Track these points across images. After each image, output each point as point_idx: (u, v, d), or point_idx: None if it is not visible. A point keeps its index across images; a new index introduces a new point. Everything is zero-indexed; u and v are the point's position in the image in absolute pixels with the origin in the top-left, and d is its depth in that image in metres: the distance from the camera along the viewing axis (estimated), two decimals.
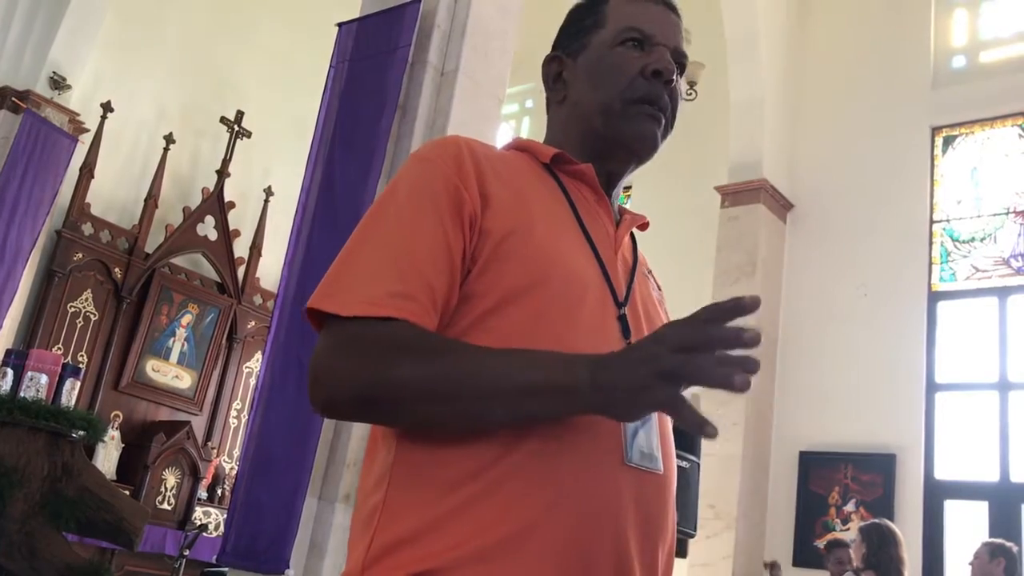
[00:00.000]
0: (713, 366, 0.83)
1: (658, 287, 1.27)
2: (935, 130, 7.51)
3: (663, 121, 1.17)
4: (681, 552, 7.10)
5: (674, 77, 1.17)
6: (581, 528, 0.94)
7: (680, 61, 1.19)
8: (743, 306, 0.85)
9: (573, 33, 1.23)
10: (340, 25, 4.52)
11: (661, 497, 1.04)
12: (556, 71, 1.24)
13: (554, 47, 1.26)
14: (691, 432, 0.84)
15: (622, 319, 1.07)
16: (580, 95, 1.19)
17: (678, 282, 7.28)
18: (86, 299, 7.19)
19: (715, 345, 0.84)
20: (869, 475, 6.77)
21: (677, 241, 7.88)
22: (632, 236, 1.25)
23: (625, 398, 0.87)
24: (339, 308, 0.96)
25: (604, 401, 0.88)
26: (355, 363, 0.94)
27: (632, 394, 0.86)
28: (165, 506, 7.12)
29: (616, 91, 1.15)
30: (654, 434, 1.04)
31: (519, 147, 1.21)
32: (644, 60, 1.15)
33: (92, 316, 7.21)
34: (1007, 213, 7.10)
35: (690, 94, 6.19)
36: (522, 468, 0.94)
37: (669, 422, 1.14)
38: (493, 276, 1.01)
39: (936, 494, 6.64)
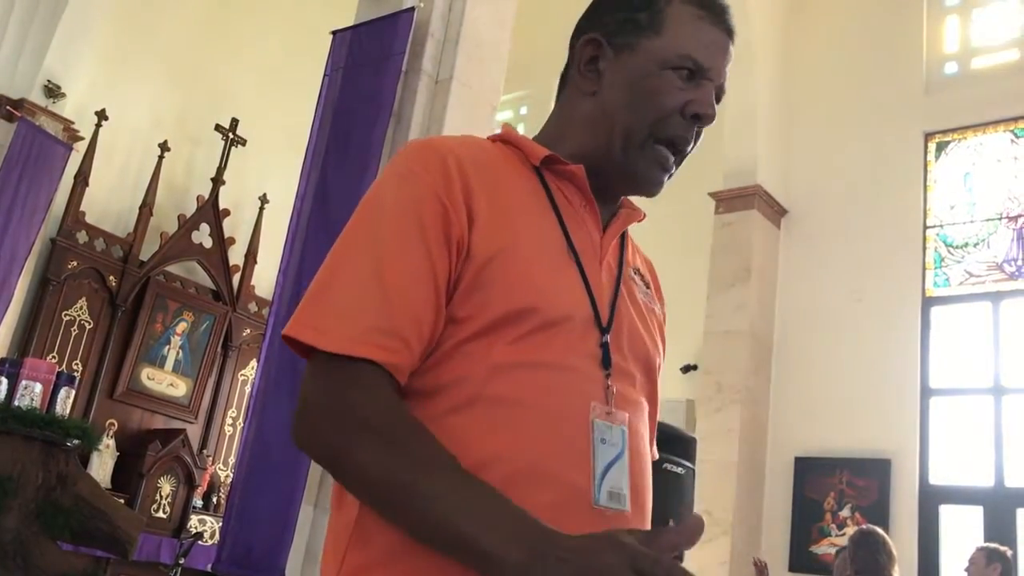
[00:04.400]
0: None
1: (647, 284, 1.22)
2: (928, 136, 7.53)
3: (674, 169, 1.13)
4: (677, 558, 7.12)
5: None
6: None
7: (720, 97, 1.14)
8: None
9: (621, 22, 1.12)
10: (334, 33, 4.53)
11: None
12: (591, 55, 1.13)
13: (592, 24, 1.15)
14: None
15: (604, 346, 1.04)
16: (611, 103, 1.11)
17: (673, 288, 7.29)
18: (81, 307, 7.18)
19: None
20: (864, 480, 6.77)
21: (671, 247, 7.88)
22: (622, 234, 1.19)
23: None
24: (318, 340, 0.94)
25: None
26: (327, 424, 0.92)
27: None
28: (160, 514, 7.10)
29: (648, 120, 1.08)
30: (625, 473, 1.01)
31: (506, 141, 1.15)
32: (688, 96, 1.09)
33: (87, 324, 7.20)
34: (1000, 218, 7.12)
35: None
36: None
37: (647, 451, 1.11)
38: (477, 302, 0.98)
39: (931, 499, 6.65)
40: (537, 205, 1.08)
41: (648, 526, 1.05)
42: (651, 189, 1.14)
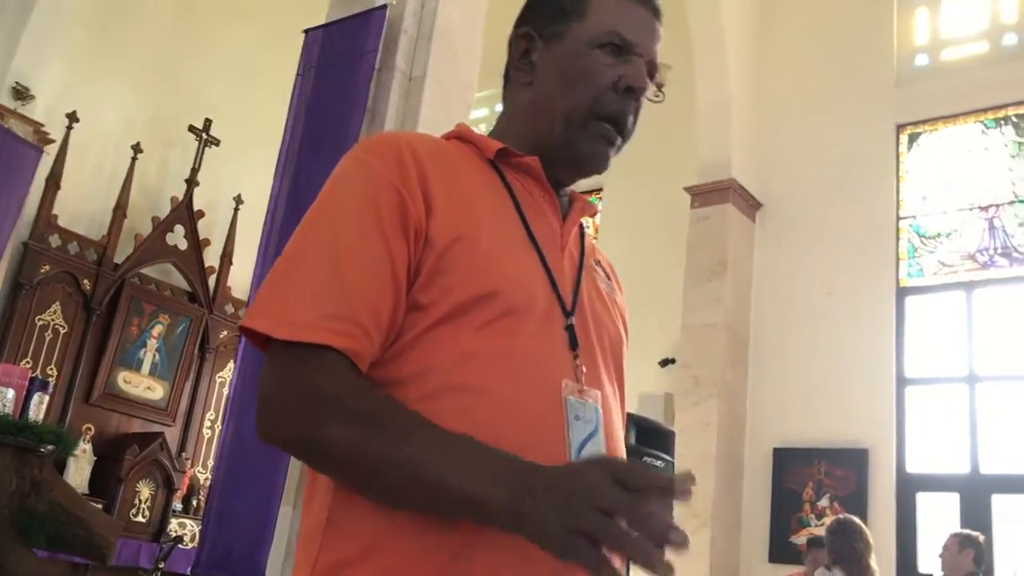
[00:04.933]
0: (635, 542, 0.78)
1: (608, 276, 1.24)
2: (900, 127, 7.60)
3: (619, 141, 1.15)
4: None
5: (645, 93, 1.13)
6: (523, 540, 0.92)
7: (652, 73, 1.16)
8: (678, 491, 0.80)
9: (549, 15, 1.16)
10: (307, 31, 4.52)
11: None
12: (524, 48, 1.18)
13: (524, 21, 1.20)
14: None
15: (569, 329, 1.05)
16: (546, 89, 1.14)
17: (650, 282, 7.36)
18: (55, 311, 7.11)
19: (640, 526, 0.78)
20: (842, 470, 6.83)
21: (648, 242, 7.93)
22: (580, 226, 1.21)
23: (542, 536, 0.82)
24: (273, 329, 0.93)
25: (520, 530, 0.84)
26: (295, 409, 0.92)
27: (550, 536, 0.81)
28: (139, 519, 7.06)
29: (585, 100, 1.11)
30: (601, 448, 1.02)
31: (462, 137, 1.17)
32: (619, 71, 1.11)
33: (61, 329, 7.13)
34: (972, 208, 7.20)
35: (658, 96, 6.22)
36: None
37: (620, 428, 1.12)
38: (439, 288, 0.98)
39: (908, 487, 6.72)
40: (496, 196, 1.09)
41: None
42: (598, 165, 1.15)
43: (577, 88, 1.11)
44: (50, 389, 6.35)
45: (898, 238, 7.33)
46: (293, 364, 0.93)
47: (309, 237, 1.00)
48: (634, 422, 4.07)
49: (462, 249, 1.00)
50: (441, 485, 0.86)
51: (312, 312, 0.93)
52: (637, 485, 0.79)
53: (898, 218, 7.38)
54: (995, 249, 7.00)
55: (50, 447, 3.50)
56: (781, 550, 6.86)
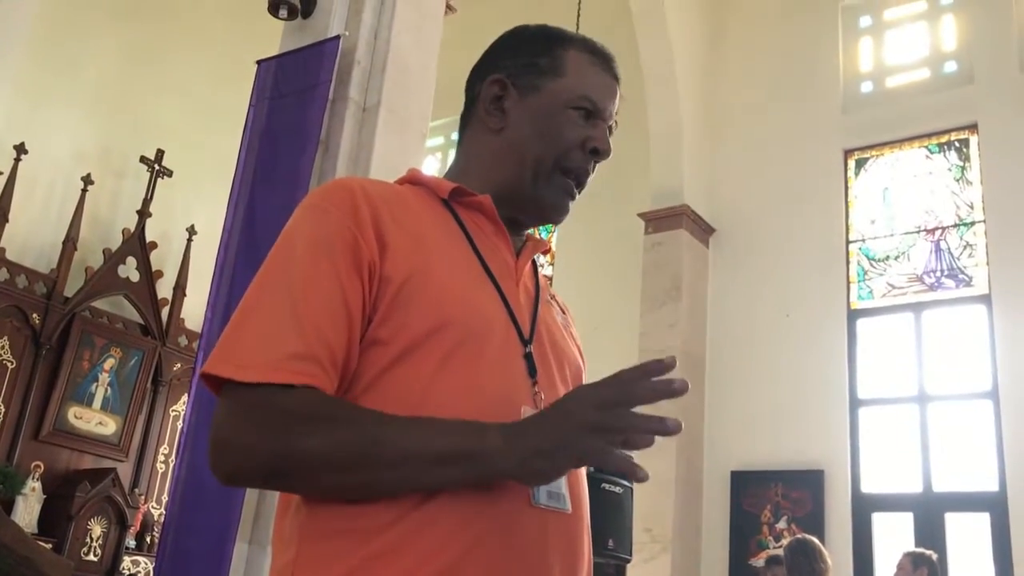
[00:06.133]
0: (639, 419, 0.87)
1: (562, 311, 1.28)
2: (847, 153, 7.77)
3: (576, 195, 1.21)
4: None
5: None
6: (497, 570, 0.94)
7: (611, 133, 1.23)
8: (663, 366, 0.90)
9: (523, 66, 1.21)
10: (259, 62, 4.50)
11: (571, 533, 1.04)
12: (496, 95, 1.21)
13: (492, 67, 1.23)
14: (624, 477, 0.88)
15: (528, 357, 1.08)
16: (520, 138, 1.18)
17: (606, 309, 7.41)
18: (2, 347, 6.97)
19: (638, 401, 0.87)
20: (799, 492, 6.89)
21: (603, 268, 7.99)
22: (533, 261, 1.25)
23: (542, 459, 0.88)
24: (236, 373, 0.94)
25: (518, 465, 0.89)
26: (260, 434, 0.93)
27: (550, 454, 0.88)
28: (91, 557, 6.90)
29: (554, 153, 1.17)
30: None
31: (414, 181, 1.20)
32: (587, 133, 1.18)
33: (9, 364, 6.99)
34: (918, 231, 7.36)
35: None
36: (435, 516, 0.93)
37: None
38: (396, 323, 1.00)
39: (863, 507, 6.80)
40: (449, 233, 1.13)
41: (587, 530, 1.09)
42: (558, 216, 1.22)
43: (549, 142, 1.17)
44: None
45: (848, 261, 7.47)
46: (255, 402, 0.94)
47: (265, 282, 1.02)
48: None
49: (417, 284, 1.02)
50: (434, 452, 0.91)
51: (272, 353, 0.95)
52: (618, 389, 0.89)
53: (847, 241, 7.52)
54: (942, 271, 7.16)
55: None
56: (741, 573, 6.89)
